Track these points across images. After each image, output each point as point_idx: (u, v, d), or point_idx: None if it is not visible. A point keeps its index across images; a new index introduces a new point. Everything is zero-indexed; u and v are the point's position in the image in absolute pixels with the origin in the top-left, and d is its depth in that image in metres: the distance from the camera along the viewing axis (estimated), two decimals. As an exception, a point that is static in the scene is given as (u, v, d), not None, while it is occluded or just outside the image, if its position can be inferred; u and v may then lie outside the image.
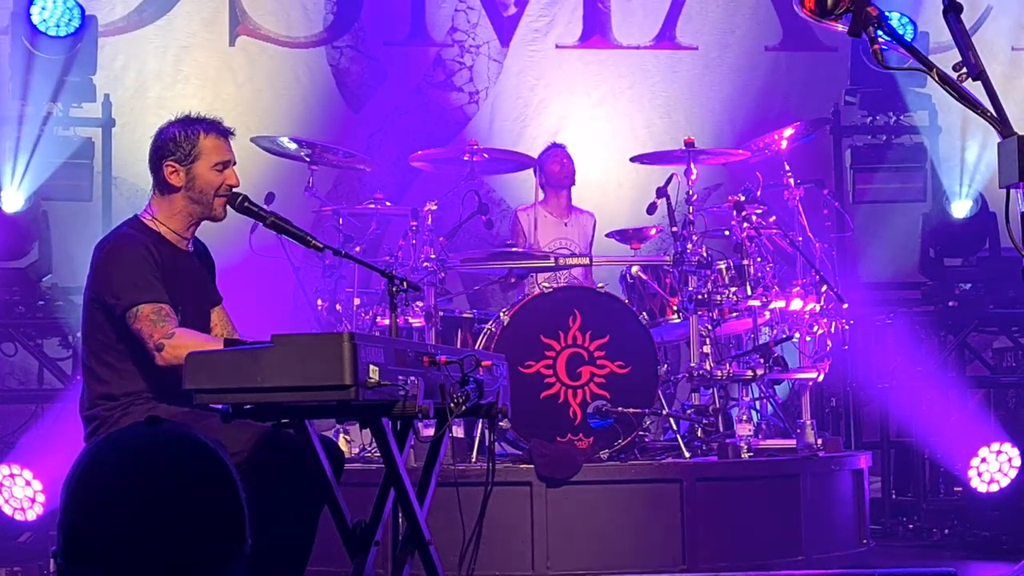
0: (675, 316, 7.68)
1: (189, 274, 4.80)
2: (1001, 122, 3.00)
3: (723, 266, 7.55)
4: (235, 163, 4.82)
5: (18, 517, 7.54)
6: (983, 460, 8.15)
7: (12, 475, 7.54)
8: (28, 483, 7.54)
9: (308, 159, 8.09)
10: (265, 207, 4.92)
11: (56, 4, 8.68)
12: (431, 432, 5.02)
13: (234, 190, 4.77)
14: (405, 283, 4.92)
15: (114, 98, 9.38)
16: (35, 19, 8.61)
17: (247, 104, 10.00)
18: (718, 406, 7.50)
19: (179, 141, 4.71)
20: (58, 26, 8.66)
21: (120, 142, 9.33)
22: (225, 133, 4.80)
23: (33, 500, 7.53)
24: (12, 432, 8.33)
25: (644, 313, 7.45)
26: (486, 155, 8.14)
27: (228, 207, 4.78)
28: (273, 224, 4.82)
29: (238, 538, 1.88)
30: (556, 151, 8.92)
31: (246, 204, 4.79)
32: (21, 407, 8.65)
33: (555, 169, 8.85)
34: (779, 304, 7.45)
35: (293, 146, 8.20)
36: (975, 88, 2.85)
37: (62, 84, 8.81)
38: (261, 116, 9.87)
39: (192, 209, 4.75)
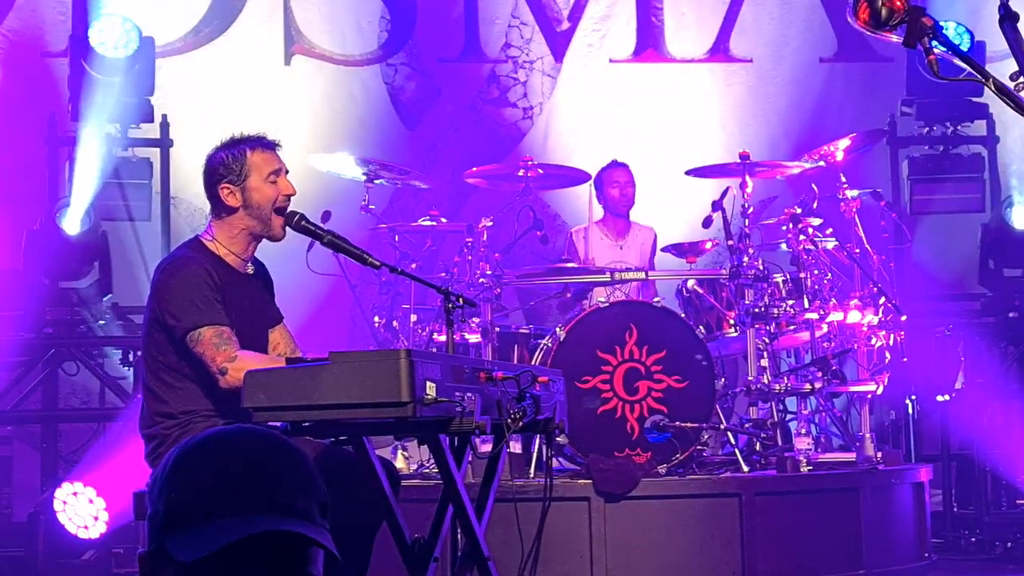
0: (732, 330, 7.65)
1: (249, 296, 4.81)
2: (1059, 132, 2.98)
3: (780, 279, 7.53)
4: (287, 171, 4.84)
5: (81, 535, 7.59)
6: (1045, 472, 8.08)
7: (75, 493, 7.59)
8: (91, 501, 7.58)
9: (364, 177, 8.12)
10: (322, 225, 4.94)
11: (114, 26, 8.75)
12: (488, 448, 5.02)
13: (291, 209, 4.79)
14: (461, 299, 4.94)
15: (172, 118, 9.44)
16: (93, 41, 8.68)
17: (303, 122, 10.06)
18: (776, 420, 7.45)
19: (228, 163, 4.73)
20: (116, 48, 8.73)
21: (178, 162, 9.39)
22: (271, 146, 4.82)
23: (96, 518, 7.58)
24: (74, 451, 8.41)
25: (701, 327, 7.42)
26: (541, 171, 8.13)
27: (286, 227, 4.80)
28: (330, 242, 4.84)
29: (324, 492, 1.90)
30: (617, 172, 8.77)
31: (303, 223, 4.82)
32: (83, 426, 8.74)
33: (615, 194, 8.72)
34: (837, 316, 7.41)
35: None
36: (1032, 98, 2.82)
37: (120, 105, 8.88)
38: (317, 134, 9.93)
39: (252, 227, 4.76)
